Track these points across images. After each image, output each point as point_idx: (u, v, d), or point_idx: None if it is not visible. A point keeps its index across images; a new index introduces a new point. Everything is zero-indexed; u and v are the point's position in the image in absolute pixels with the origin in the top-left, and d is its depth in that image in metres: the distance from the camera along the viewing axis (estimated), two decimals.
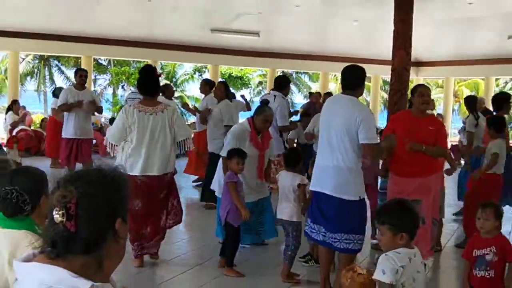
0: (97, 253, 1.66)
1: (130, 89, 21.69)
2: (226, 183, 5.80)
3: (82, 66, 15.47)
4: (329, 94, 12.47)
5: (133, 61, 29.11)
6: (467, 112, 9.77)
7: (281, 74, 18.81)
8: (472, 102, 9.38)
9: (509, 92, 32.63)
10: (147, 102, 5.92)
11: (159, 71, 7.48)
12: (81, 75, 9.81)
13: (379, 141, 5.32)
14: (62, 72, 33.18)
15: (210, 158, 8.75)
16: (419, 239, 5.86)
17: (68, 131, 9.45)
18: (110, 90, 33.55)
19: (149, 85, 6.01)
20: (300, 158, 5.92)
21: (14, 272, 1.71)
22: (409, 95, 7.32)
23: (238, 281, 5.67)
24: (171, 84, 23.03)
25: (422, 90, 6.17)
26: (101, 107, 10.69)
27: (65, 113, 9.56)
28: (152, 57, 17.71)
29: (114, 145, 5.90)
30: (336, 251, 5.12)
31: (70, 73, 31.78)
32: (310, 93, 17.52)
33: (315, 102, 13.40)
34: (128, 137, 5.80)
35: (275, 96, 8.57)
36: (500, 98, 8.44)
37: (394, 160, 6.03)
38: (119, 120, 5.92)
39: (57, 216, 1.62)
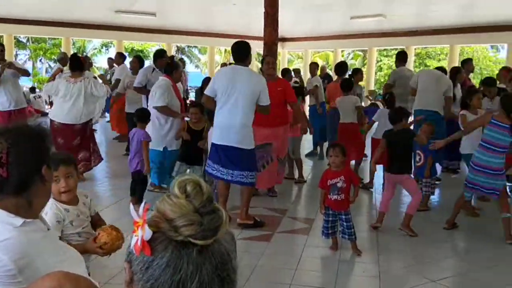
0: (27, 194, 1.61)
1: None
2: (142, 141, 5.64)
3: (4, 43, 14.32)
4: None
5: (49, 38, 27.50)
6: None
7: (176, 48, 18.42)
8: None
9: (351, 61, 33.82)
10: (73, 75, 6.96)
11: (79, 54, 8.35)
12: (1, 50, 7.89)
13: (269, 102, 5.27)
14: None
15: (130, 118, 7.93)
16: (270, 171, 6.18)
17: (2, 104, 7.67)
18: (30, 64, 31.52)
19: (75, 65, 7.02)
20: None
21: None
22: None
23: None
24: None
25: (268, 60, 6.45)
26: (25, 69, 8.62)
27: None
28: (66, 34, 16.77)
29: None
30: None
31: None
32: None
33: None
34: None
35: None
36: (340, 66, 9.22)
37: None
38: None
39: None
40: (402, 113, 5.62)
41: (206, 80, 8.21)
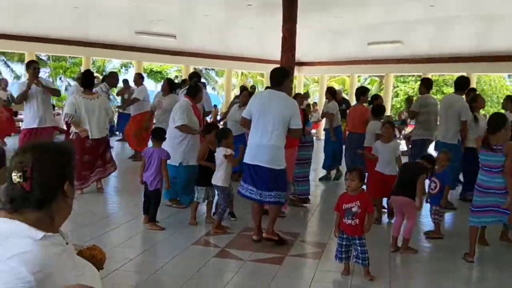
0: (48, 209, 1.65)
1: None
2: (162, 159, 5.76)
3: (26, 62, 14.66)
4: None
5: (69, 57, 28.08)
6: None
7: (193, 70, 18.65)
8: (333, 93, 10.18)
9: (368, 86, 33.98)
10: (87, 92, 7.39)
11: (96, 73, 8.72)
12: (35, 68, 7.51)
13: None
14: (8, 66, 31.29)
15: None
16: None
17: (27, 121, 7.62)
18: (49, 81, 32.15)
19: (89, 82, 7.53)
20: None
21: None
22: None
23: (159, 233, 5.66)
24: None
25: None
26: (58, 90, 8.49)
27: (24, 103, 7.56)
28: (86, 54, 17.04)
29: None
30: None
31: (16, 66, 30.16)
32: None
33: None
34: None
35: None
36: (362, 91, 9.17)
37: None
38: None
39: (15, 177, 1.60)
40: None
41: None
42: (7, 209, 1.63)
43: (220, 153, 5.73)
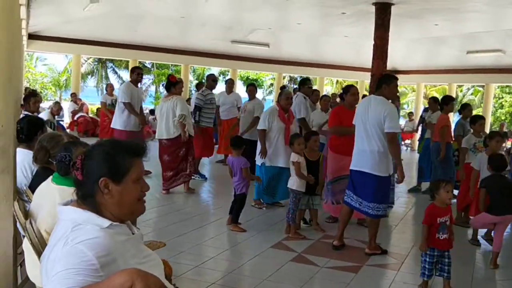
0: (92, 202, 1.80)
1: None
2: (242, 168, 5.94)
3: (130, 68, 15.63)
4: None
5: (171, 64, 29.36)
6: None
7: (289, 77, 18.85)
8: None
9: (471, 97, 32.12)
10: (167, 95, 7.88)
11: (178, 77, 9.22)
12: (139, 73, 8.84)
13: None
14: (116, 72, 33.46)
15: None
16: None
17: (130, 123, 8.62)
18: (153, 88, 33.95)
19: (167, 85, 7.93)
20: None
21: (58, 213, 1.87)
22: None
23: (240, 234, 5.83)
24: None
25: (354, 90, 6.60)
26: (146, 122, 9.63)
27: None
28: (185, 62, 17.89)
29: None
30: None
31: (122, 73, 32.14)
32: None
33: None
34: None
35: (297, 95, 8.55)
36: (443, 99, 8.82)
37: (340, 142, 6.24)
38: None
39: (72, 167, 1.82)
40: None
41: None
42: (77, 201, 1.84)
43: (290, 157, 5.93)
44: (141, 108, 9.03)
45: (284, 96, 7.03)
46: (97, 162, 1.81)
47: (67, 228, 1.74)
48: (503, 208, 5.27)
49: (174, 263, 4.58)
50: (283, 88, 9.18)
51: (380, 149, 5.13)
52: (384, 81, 5.34)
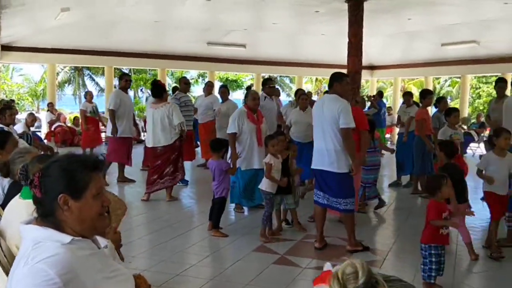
0: (52, 219, 1.75)
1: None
2: (225, 170, 5.91)
3: (105, 75, 15.52)
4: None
5: (149, 69, 29.16)
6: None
7: (266, 77, 18.85)
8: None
9: (448, 88, 32.37)
10: (156, 101, 7.67)
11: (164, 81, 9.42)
12: (127, 80, 8.93)
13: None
14: (93, 79, 33.20)
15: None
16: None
17: (126, 130, 8.75)
18: (131, 93, 33.65)
19: (155, 92, 7.72)
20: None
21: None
22: (362, 93, 7.45)
23: (222, 239, 5.77)
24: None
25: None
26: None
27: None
28: (162, 66, 17.74)
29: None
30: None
31: (99, 79, 31.91)
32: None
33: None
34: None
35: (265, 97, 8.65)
36: (422, 93, 8.91)
37: None
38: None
39: (30, 185, 1.77)
40: None
41: None
42: (38, 219, 1.78)
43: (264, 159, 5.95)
44: (133, 115, 9.15)
45: (251, 97, 6.93)
46: (55, 178, 1.75)
47: (27, 247, 1.69)
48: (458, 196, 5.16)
49: (155, 272, 4.55)
50: (248, 88, 9.22)
51: (336, 147, 5.20)
52: (335, 79, 5.37)
